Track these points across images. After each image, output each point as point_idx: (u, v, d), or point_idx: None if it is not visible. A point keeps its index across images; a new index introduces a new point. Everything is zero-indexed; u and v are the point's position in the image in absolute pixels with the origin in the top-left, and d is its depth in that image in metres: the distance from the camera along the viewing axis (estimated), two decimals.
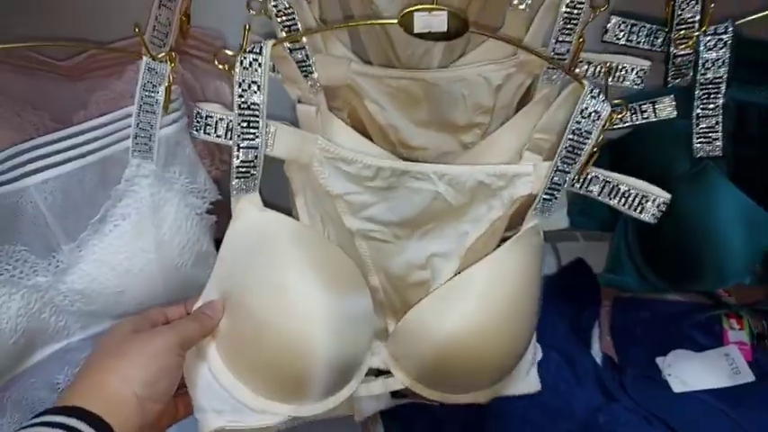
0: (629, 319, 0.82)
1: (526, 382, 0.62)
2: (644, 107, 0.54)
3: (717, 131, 0.56)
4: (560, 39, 0.51)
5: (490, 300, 0.53)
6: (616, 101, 0.49)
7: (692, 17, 0.52)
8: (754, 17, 0.52)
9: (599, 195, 0.52)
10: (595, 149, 0.50)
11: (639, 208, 0.51)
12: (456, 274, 0.56)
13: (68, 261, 0.56)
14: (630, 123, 0.55)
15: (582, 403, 0.75)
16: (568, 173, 0.51)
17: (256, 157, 0.50)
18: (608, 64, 0.52)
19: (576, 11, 0.50)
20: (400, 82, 0.57)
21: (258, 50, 0.47)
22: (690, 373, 0.76)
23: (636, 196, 0.51)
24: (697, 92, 0.55)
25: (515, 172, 0.53)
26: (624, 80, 0.52)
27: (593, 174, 0.51)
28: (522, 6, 0.53)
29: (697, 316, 0.80)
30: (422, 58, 0.58)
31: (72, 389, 0.46)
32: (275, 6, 0.50)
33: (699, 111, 0.56)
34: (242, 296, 0.51)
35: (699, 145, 0.57)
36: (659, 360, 0.78)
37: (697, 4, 0.51)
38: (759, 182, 0.56)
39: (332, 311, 0.51)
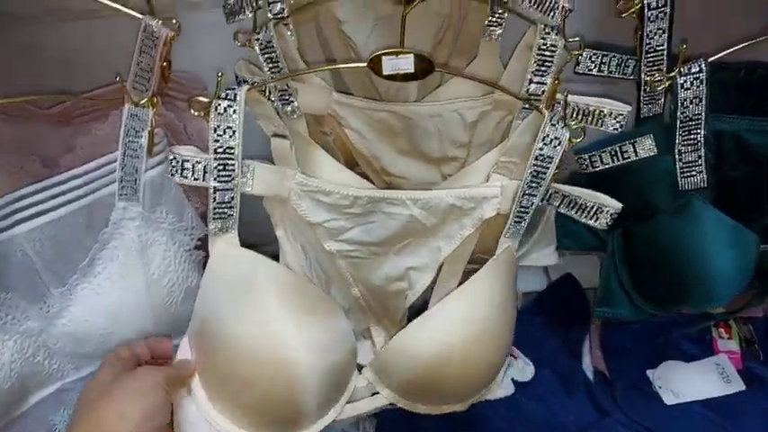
0: (619, 331, 0.82)
1: (501, 387, 0.66)
2: (624, 147, 0.56)
3: (700, 165, 0.57)
4: (534, 80, 0.53)
5: (468, 326, 0.55)
6: (574, 126, 0.52)
7: (660, 45, 0.53)
8: (727, 52, 0.54)
9: (559, 207, 0.55)
10: (557, 170, 0.52)
11: (594, 217, 0.55)
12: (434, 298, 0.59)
13: (59, 305, 0.57)
14: (612, 165, 0.57)
15: (574, 419, 0.75)
16: (535, 195, 0.54)
17: (233, 198, 0.51)
18: (585, 108, 0.53)
19: (548, 52, 0.52)
20: (379, 114, 0.59)
21: (233, 97, 0.48)
22: (680, 384, 0.77)
23: (592, 207, 0.54)
24: (678, 129, 0.56)
25: (483, 194, 0.55)
26: (603, 125, 0.53)
27: (554, 190, 0.54)
28: (494, 37, 0.55)
29: (687, 329, 0.81)
30: (398, 92, 0.59)
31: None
32: (257, 40, 0.51)
33: (681, 147, 0.57)
34: (224, 334, 0.52)
35: (684, 179, 0.58)
36: (650, 372, 0.78)
37: (665, 33, 0.52)
38: (743, 203, 0.58)
39: (312, 336, 0.52)
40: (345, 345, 0.57)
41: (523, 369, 0.78)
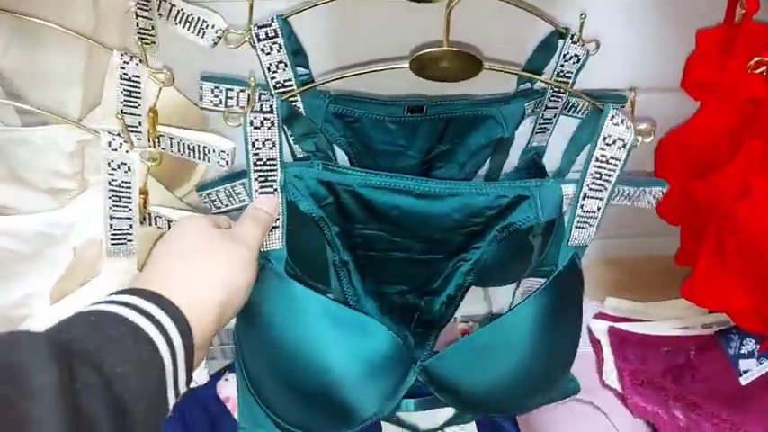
0: None
1: None
2: (237, 188, 0.51)
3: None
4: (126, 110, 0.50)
5: None
6: None
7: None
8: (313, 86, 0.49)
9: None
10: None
11: (206, 158, 0.51)
12: None
13: None
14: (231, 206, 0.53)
15: None
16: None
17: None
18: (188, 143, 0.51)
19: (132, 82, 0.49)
20: None
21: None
22: None
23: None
24: (251, 174, 0.48)
25: (69, 221, 0.52)
26: (208, 160, 0.51)
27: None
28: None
29: None
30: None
31: (149, 272, 0.40)
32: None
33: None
34: None
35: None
36: None
37: None
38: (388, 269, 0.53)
39: None
40: None
41: None
